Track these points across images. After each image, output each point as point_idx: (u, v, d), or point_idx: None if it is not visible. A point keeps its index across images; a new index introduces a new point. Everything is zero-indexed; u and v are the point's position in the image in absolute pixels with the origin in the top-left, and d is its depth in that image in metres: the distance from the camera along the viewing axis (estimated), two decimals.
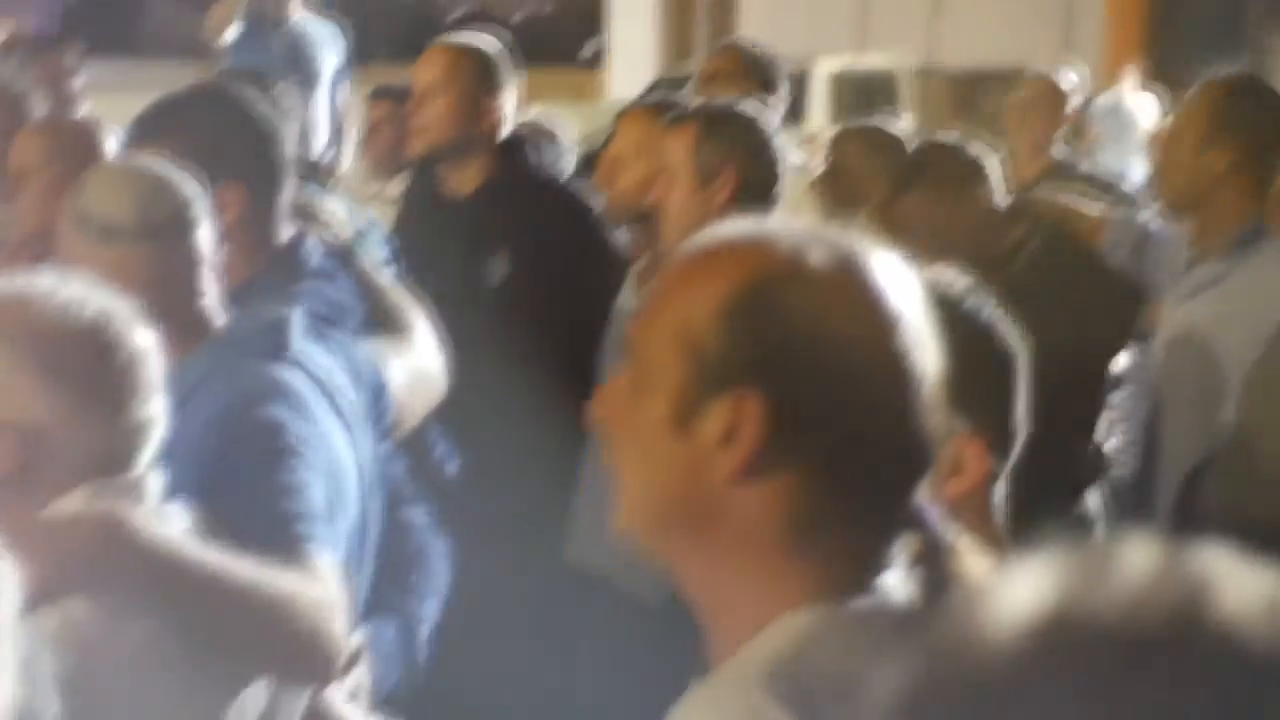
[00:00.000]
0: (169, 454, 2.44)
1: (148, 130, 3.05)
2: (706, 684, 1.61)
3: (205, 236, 2.70)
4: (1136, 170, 9.35)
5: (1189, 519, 3.66)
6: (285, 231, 3.07)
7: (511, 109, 4.69)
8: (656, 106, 4.56)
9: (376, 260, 3.29)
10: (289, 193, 3.08)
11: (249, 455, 2.53)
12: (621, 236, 4.69)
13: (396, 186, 5.78)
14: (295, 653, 2.38)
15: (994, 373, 2.21)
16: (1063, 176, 5.97)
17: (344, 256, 3.18)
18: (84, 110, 5.32)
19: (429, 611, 3.04)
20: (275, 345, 2.68)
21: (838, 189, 5.00)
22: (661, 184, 4.01)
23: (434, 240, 4.52)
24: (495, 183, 4.61)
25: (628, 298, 4.42)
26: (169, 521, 2.36)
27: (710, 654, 1.64)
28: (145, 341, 2.34)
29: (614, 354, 4.40)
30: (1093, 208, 5.01)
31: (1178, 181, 4.02)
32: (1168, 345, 4.07)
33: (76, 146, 3.48)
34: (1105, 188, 6.02)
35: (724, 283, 1.61)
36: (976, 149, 4.92)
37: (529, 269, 4.50)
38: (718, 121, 4.05)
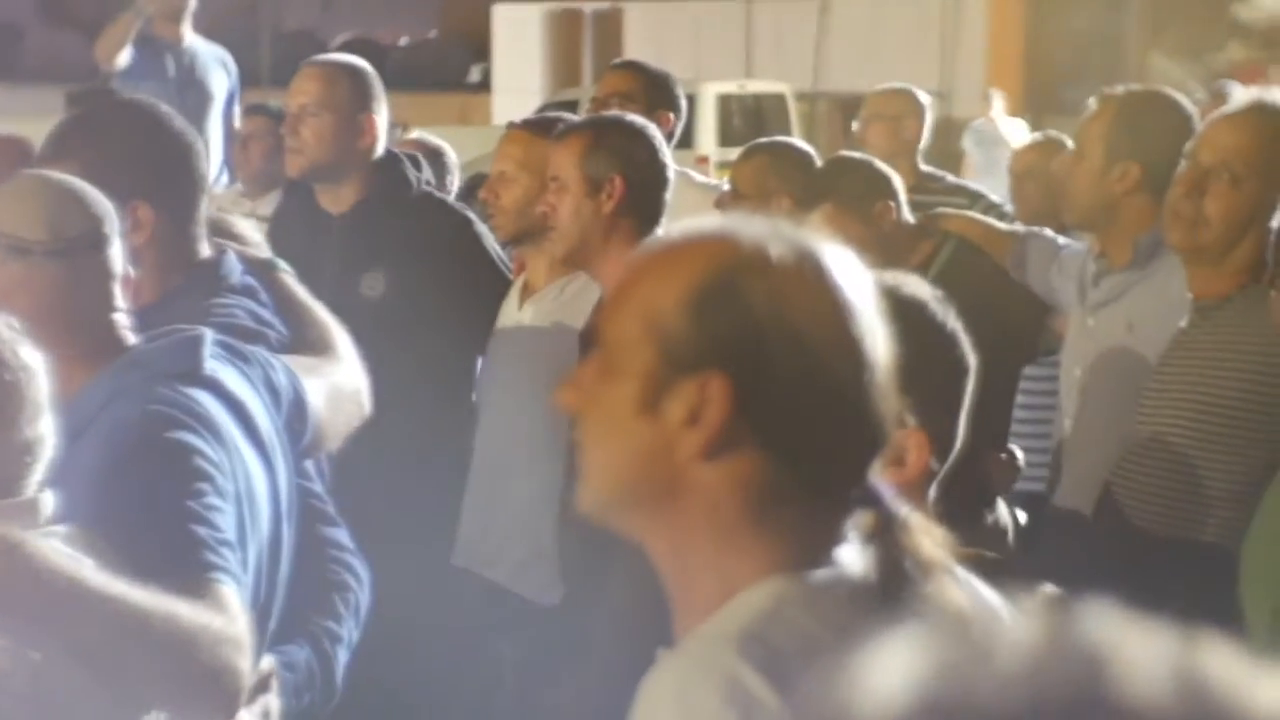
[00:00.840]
0: (74, 474, 2.39)
1: (61, 146, 3.01)
2: (677, 652, 1.68)
3: (116, 253, 2.66)
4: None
5: (1101, 531, 3.70)
6: (204, 248, 3.03)
7: (384, 126, 4.70)
8: (538, 124, 4.58)
9: (293, 278, 3.24)
10: (205, 209, 3.04)
11: (156, 480, 2.45)
12: (504, 251, 4.69)
13: (269, 204, 5.74)
14: (196, 684, 2.31)
15: (948, 376, 2.31)
16: (929, 189, 5.98)
17: (265, 273, 3.15)
18: None
19: (349, 634, 2.99)
20: (186, 365, 2.63)
21: (742, 206, 5.03)
22: (550, 193, 4.05)
23: (310, 257, 4.47)
24: (371, 199, 4.57)
25: (509, 312, 4.45)
26: (62, 547, 2.28)
27: (677, 624, 1.72)
28: (32, 360, 2.28)
29: (494, 366, 4.44)
30: (997, 222, 5.07)
31: (1084, 197, 4.08)
32: (1076, 356, 4.13)
33: None
34: (974, 198, 6.04)
35: (690, 272, 1.69)
36: (883, 165, 4.98)
37: (406, 284, 4.46)
38: (605, 132, 4.11)
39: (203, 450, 2.50)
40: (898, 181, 4.82)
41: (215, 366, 2.65)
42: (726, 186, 5.22)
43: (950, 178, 6.55)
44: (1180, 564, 3.49)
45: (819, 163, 5.08)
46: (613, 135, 4.06)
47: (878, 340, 1.70)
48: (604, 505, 1.74)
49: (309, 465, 3.00)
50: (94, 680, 2.24)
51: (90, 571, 2.24)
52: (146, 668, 2.27)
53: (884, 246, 4.19)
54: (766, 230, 1.72)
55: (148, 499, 2.43)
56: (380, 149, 4.56)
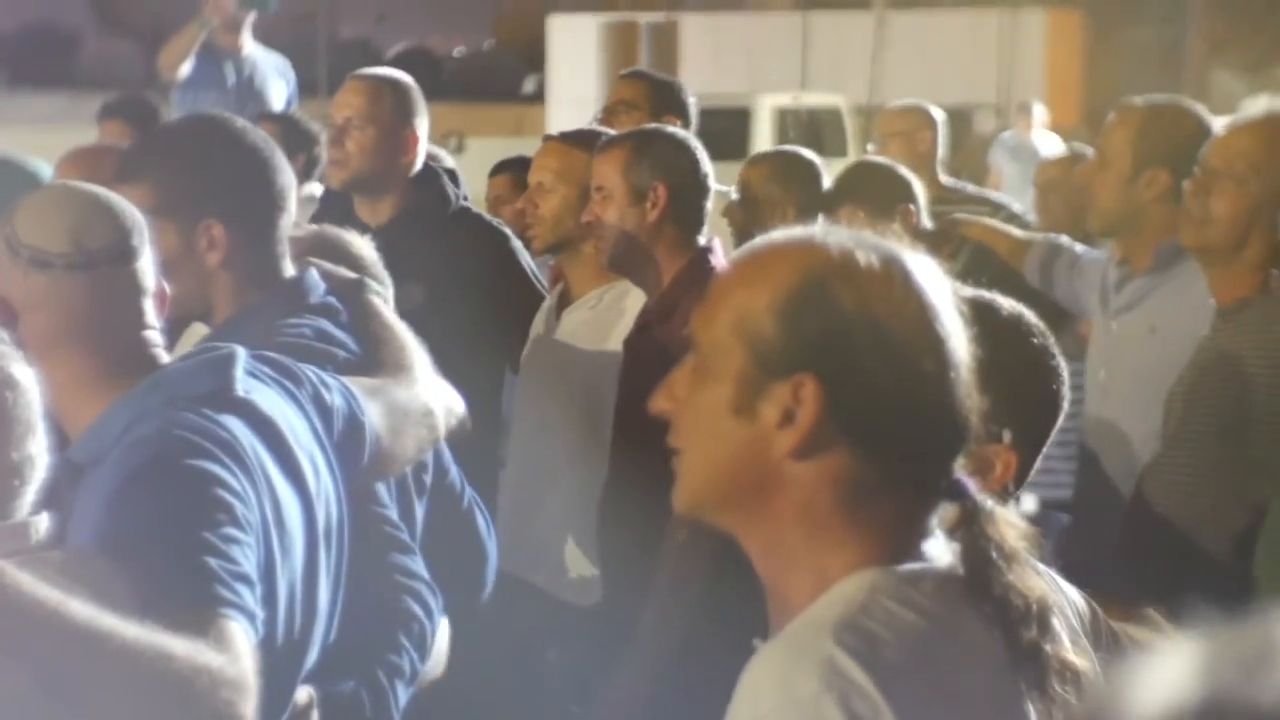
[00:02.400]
0: (94, 498, 2.32)
1: (134, 165, 2.94)
2: (777, 641, 1.73)
3: (146, 267, 2.55)
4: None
5: (1130, 533, 3.72)
6: (286, 266, 2.96)
7: (425, 141, 4.68)
8: (575, 136, 4.60)
9: (382, 298, 3.20)
10: (284, 226, 2.96)
11: (170, 507, 2.34)
12: (540, 263, 4.71)
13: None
14: None
15: (1046, 411, 2.37)
16: (951, 200, 6.01)
17: (350, 292, 3.09)
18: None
19: (411, 666, 2.89)
20: (215, 385, 2.52)
21: (747, 215, 5.07)
22: (595, 203, 4.10)
23: (347, 268, 4.50)
24: (409, 213, 4.58)
25: (546, 321, 4.45)
26: (57, 572, 2.16)
27: (773, 616, 1.79)
28: (22, 377, 2.19)
29: (531, 375, 4.46)
30: (1015, 230, 5.09)
31: (1111, 204, 4.13)
32: (1100, 360, 4.17)
33: None
34: (996, 208, 6.07)
35: (780, 278, 1.76)
36: (906, 171, 5.02)
37: (441, 298, 4.42)
38: (648, 142, 4.16)
39: (223, 479, 2.38)
40: (918, 187, 4.85)
41: (251, 386, 2.55)
42: (735, 195, 5.25)
43: (971, 188, 6.57)
44: (1208, 565, 3.50)
45: (822, 172, 5.12)
46: (656, 145, 4.11)
47: (960, 341, 1.77)
48: (700, 505, 1.80)
49: (381, 490, 2.93)
50: (73, 713, 2.11)
51: (77, 604, 2.10)
52: (132, 708, 2.13)
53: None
54: (851, 237, 1.78)
55: (159, 526, 2.31)
56: (419, 163, 4.58)
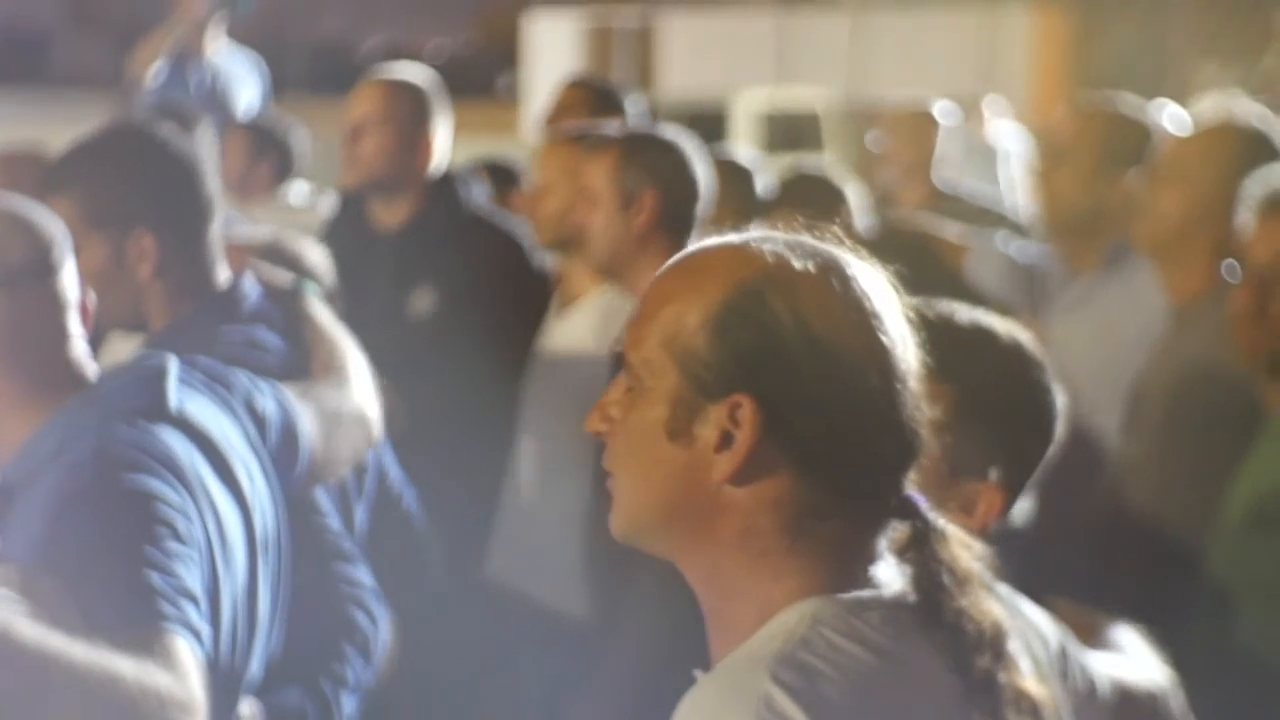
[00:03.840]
0: (29, 517, 2.26)
1: (61, 176, 2.90)
2: (714, 675, 1.64)
3: (69, 280, 2.48)
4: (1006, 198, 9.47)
5: (1117, 539, 3.67)
6: (219, 273, 2.95)
7: (444, 144, 4.69)
8: (578, 134, 4.59)
9: (322, 303, 3.17)
10: (215, 233, 2.96)
11: (111, 524, 2.31)
12: (551, 263, 4.71)
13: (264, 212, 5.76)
14: None
15: (1040, 446, 2.24)
16: (945, 203, 6.05)
17: (287, 298, 3.08)
18: None
19: (356, 676, 2.92)
20: (149, 401, 2.48)
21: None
22: (582, 208, 4.04)
23: (361, 272, 4.50)
24: (425, 216, 4.58)
25: (550, 325, 4.40)
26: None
27: (714, 646, 1.70)
28: None
29: (532, 380, 4.41)
30: (953, 231, 5.07)
31: (1069, 203, 4.11)
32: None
33: None
34: (985, 212, 6.12)
35: (711, 293, 1.66)
36: (838, 177, 5.02)
37: (457, 301, 4.46)
38: (637, 146, 4.10)
39: (163, 494, 2.35)
40: (851, 192, 4.83)
41: (185, 397, 2.51)
42: None
43: (967, 196, 6.56)
44: (1183, 570, 3.46)
45: (754, 177, 5.12)
46: (645, 149, 4.03)
47: (907, 348, 1.67)
48: (637, 532, 1.71)
49: (321, 497, 2.89)
50: None
51: (24, 623, 2.10)
52: None
53: None
54: (786, 243, 1.69)
55: (101, 544, 2.27)
56: (435, 167, 4.57)
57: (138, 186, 2.83)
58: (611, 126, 4.50)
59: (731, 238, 1.70)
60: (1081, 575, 3.59)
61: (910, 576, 1.67)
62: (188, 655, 2.22)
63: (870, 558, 1.67)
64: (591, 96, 5.42)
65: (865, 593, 1.65)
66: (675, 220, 3.95)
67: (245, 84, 7.72)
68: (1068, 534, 3.78)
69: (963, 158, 15.69)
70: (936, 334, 2.13)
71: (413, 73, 4.75)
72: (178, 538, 2.31)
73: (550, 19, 25.99)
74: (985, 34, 21.98)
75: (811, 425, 1.63)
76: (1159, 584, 3.34)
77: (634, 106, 5.41)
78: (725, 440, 1.63)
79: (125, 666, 2.14)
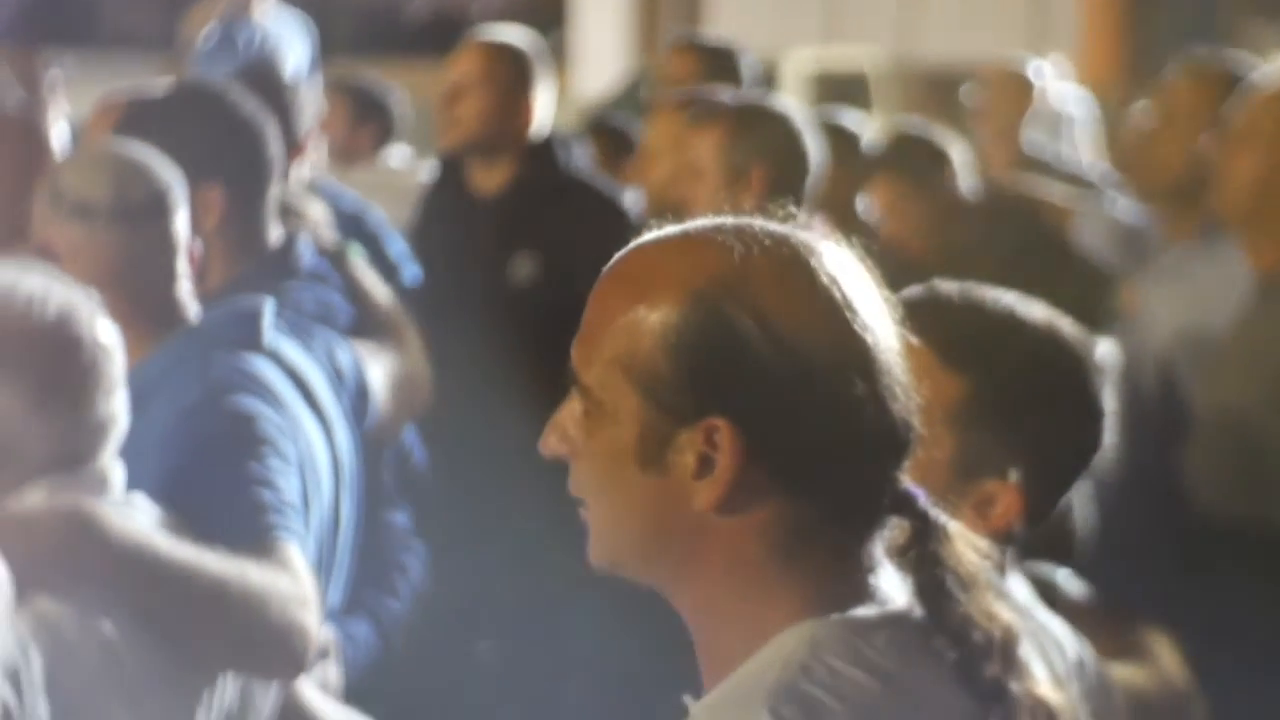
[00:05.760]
0: (138, 444, 2.38)
1: (130, 126, 2.99)
2: (707, 707, 1.55)
3: (182, 225, 2.67)
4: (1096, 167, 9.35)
5: (1169, 504, 3.66)
6: (274, 232, 3.03)
7: (545, 107, 4.68)
8: (685, 102, 4.55)
9: (365, 263, 3.26)
10: (275, 193, 3.03)
11: (221, 446, 2.49)
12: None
13: (356, 176, 5.78)
14: (267, 646, 2.33)
15: (1077, 453, 2.14)
16: (1033, 167, 5.97)
17: (335, 259, 3.17)
18: (57, 108, 5.27)
19: (404, 612, 3.00)
20: (247, 336, 2.64)
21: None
22: (687, 182, 3.99)
23: (460, 238, 4.51)
24: (524, 181, 4.58)
25: None
26: (135, 514, 2.31)
27: (705, 673, 1.58)
28: (108, 337, 2.31)
29: None
30: (1060, 196, 5.03)
31: (1173, 167, 4.02)
32: (1143, 330, 4.08)
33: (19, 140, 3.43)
34: (1071, 177, 6.04)
35: (662, 306, 1.53)
36: (941, 138, 4.95)
37: (556, 268, 4.47)
38: (746, 119, 4.01)
39: (265, 414, 2.51)
40: (956, 154, 4.79)
41: (275, 339, 2.65)
42: None
43: (1054, 161, 6.46)
44: (1254, 542, 3.43)
45: (866, 138, 5.05)
46: (755, 123, 3.97)
47: (887, 335, 1.55)
48: (618, 564, 1.59)
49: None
50: (163, 647, 2.25)
51: (160, 538, 2.26)
52: (218, 630, 2.26)
53: (941, 221, 4.13)
54: (737, 236, 1.55)
55: (211, 463, 2.44)
56: (536, 130, 4.54)
57: (211, 140, 2.94)
58: (722, 94, 4.48)
59: (675, 232, 1.56)
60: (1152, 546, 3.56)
61: (912, 582, 1.56)
62: (299, 558, 2.40)
63: (869, 565, 1.56)
64: (701, 61, 5.31)
65: (867, 611, 1.55)
66: (784, 195, 3.93)
67: (293, 45, 7.78)
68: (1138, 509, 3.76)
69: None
70: (960, 322, 2.02)
71: (513, 34, 4.77)
72: (280, 455, 2.47)
73: None
74: None
75: (795, 442, 1.52)
76: (1235, 560, 3.31)
77: (748, 67, 5.35)
78: (704, 466, 1.51)
79: (252, 570, 2.30)
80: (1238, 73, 4.09)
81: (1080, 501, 3.11)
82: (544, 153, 4.63)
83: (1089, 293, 4.60)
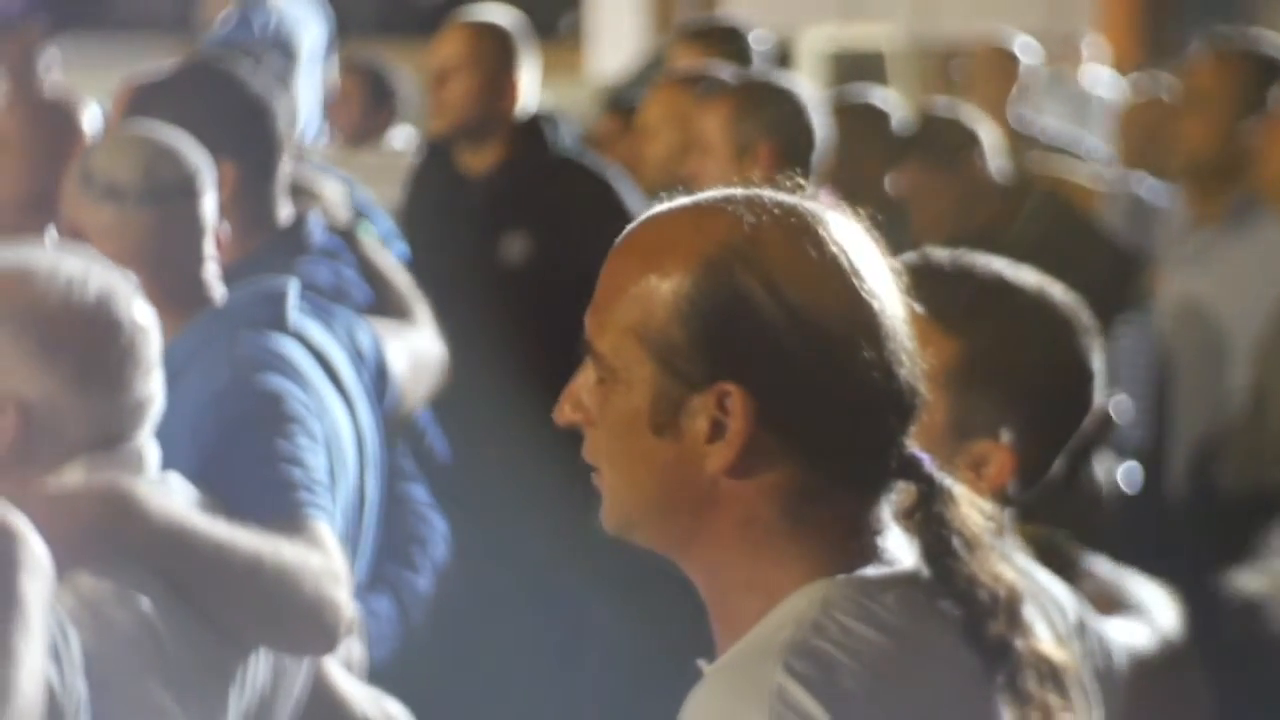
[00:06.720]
0: (166, 424, 2.40)
1: (141, 106, 3.01)
2: (722, 667, 1.59)
3: (210, 206, 2.70)
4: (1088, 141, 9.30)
5: (1203, 487, 3.64)
6: (284, 209, 3.03)
7: (531, 86, 4.67)
8: (689, 78, 4.53)
9: (378, 241, 3.25)
10: (286, 170, 3.05)
11: (250, 425, 2.52)
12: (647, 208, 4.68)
13: (367, 158, 5.77)
14: (301, 621, 2.35)
15: (1067, 412, 2.17)
16: (1021, 143, 5.97)
17: (347, 237, 3.16)
18: (54, 87, 5.25)
19: (425, 588, 3.00)
20: (272, 316, 2.67)
21: (835, 162, 4.99)
22: (694, 158, 3.98)
23: (449, 218, 4.50)
24: (513, 160, 4.58)
25: None
26: (170, 492, 2.34)
27: (719, 636, 1.63)
28: (145, 318, 2.34)
29: None
30: (1086, 174, 5.02)
31: (1203, 149, 3.96)
32: (1171, 312, 4.05)
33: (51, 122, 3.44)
34: (1063, 152, 6.03)
35: (675, 274, 1.58)
36: (971, 119, 4.92)
37: (547, 247, 4.48)
38: (752, 95, 4.00)
39: (292, 392, 2.54)
40: (986, 134, 4.76)
41: (299, 319, 2.68)
42: None
43: (1042, 136, 6.46)
44: None
45: (898, 118, 5.03)
46: (761, 99, 3.96)
47: (892, 301, 1.60)
48: (630, 528, 1.64)
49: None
50: (200, 624, 2.28)
51: (197, 515, 2.29)
52: (253, 606, 2.28)
53: (969, 201, 4.12)
54: (747, 205, 1.61)
55: (240, 443, 2.47)
56: (523, 110, 4.53)
57: (222, 116, 2.94)
58: (725, 70, 4.46)
59: (687, 203, 1.62)
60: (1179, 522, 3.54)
61: (918, 544, 1.62)
62: (329, 534, 2.43)
63: (876, 527, 1.61)
64: (706, 51, 5.26)
65: (876, 571, 1.60)
66: (791, 169, 3.91)
67: (309, 26, 7.76)
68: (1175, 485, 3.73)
69: (1051, 99, 15.44)
70: (952, 285, 2.07)
71: (497, 14, 4.74)
72: (307, 433, 2.50)
73: None
74: None
75: (805, 407, 1.57)
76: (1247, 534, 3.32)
77: (758, 44, 5.31)
78: (716, 430, 1.57)
79: (285, 548, 2.33)
80: (1262, 52, 4.04)
81: (1108, 477, 3.10)
82: (533, 132, 4.62)
83: (1117, 274, 4.58)
